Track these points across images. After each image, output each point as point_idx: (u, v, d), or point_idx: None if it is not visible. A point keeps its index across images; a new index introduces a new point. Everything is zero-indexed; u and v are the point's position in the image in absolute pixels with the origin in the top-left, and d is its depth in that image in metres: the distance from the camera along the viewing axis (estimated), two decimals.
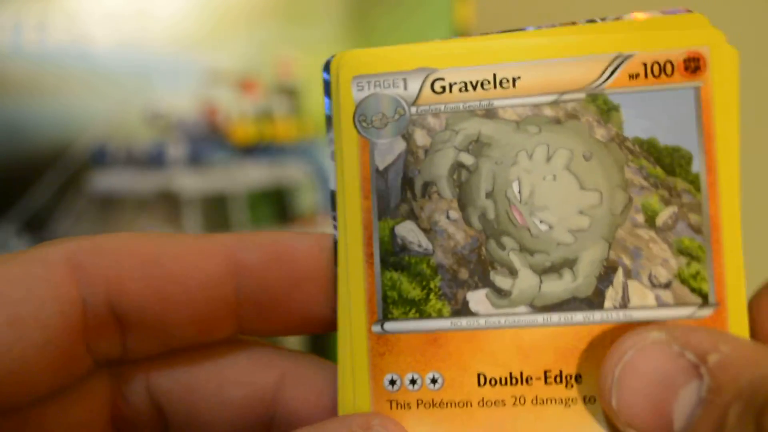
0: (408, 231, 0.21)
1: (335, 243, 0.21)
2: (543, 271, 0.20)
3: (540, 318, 0.20)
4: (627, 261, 0.20)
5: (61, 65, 1.59)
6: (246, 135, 1.78)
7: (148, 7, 1.71)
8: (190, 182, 1.60)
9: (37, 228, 1.53)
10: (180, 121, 1.71)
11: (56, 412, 0.21)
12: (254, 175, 1.74)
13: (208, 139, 1.71)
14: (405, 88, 0.21)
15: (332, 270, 0.21)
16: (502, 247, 0.20)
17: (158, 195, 1.62)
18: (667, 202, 0.20)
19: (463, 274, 0.20)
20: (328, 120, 0.22)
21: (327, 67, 0.21)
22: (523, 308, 0.20)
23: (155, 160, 1.62)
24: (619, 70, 0.20)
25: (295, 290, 0.22)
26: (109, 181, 1.62)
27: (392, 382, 0.20)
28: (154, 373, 0.22)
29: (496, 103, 0.20)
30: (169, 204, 1.63)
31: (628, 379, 0.18)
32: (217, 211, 1.70)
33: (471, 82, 0.21)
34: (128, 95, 1.68)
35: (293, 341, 1.27)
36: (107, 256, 0.21)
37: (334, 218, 0.21)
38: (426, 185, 0.21)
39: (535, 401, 0.20)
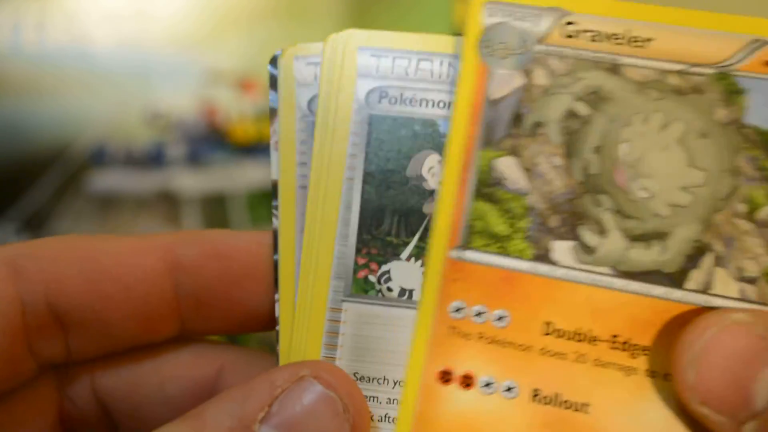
0: (508, 166, 0.20)
1: (275, 233, 0.21)
2: (633, 238, 0.20)
3: (619, 283, 0.20)
4: (719, 247, 0.19)
5: (61, 65, 1.59)
6: (245, 135, 1.78)
7: (148, 7, 1.71)
8: (189, 182, 1.60)
9: (37, 227, 1.53)
10: (179, 121, 1.71)
11: (2, 415, 0.21)
12: (254, 175, 1.74)
13: (208, 139, 1.71)
14: (536, 23, 0.20)
15: (272, 266, 0.21)
16: (598, 204, 0.20)
17: (158, 195, 1.62)
18: None
19: (554, 221, 0.20)
20: (272, 112, 0.21)
21: (274, 62, 0.21)
22: (605, 269, 0.20)
23: (155, 160, 1.62)
24: (754, 54, 0.20)
25: (234, 287, 0.21)
26: (108, 180, 1.62)
27: (458, 310, 0.20)
28: (98, 374, 0.22)
29: (624, 60, 0.20)
30: (168, 204, 1.63)
31: (708, 355, 0.17)
32: (216, 211, 1.70)
33: (603, 33, 0.20)
34: (128, 95, 1.68)
35: None
36: (45, 258, 0.21)
37: (275, 207, 0.21)
38: (536, 125, 0.20)
39: (596, 362, 0.19)
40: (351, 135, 0.21)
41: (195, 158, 1.65)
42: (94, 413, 0.22)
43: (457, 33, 0.21)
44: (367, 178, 0.21)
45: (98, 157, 1.63)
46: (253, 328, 0.22)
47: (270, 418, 0.17)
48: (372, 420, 0.20)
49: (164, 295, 0.21)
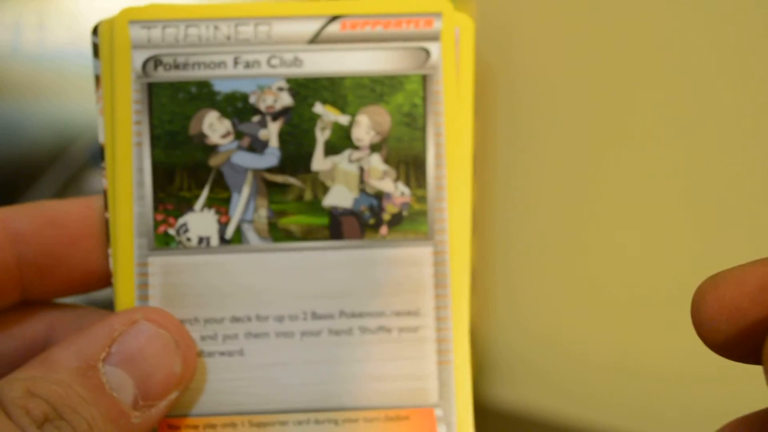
0: None
1: (105, 192, 0.23)
2: None
3: None
4: None
5: (61, 65, 1.59)
6: None
7: None
8: None
9: None
10: None
11: None
12: None
13: None
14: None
15: (104, 226, 0.23)
16: None
17: None
18: None
19: None
20: (97, 80, 0.23)
21: (95, 31, 0.23)
22: None
23: None
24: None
25: (72, 250, 0.23)
26: None
27: None
28: None
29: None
30: None
31: None
32: None
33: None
34: None
35: None
36: None
37: (103, 168, 0.23)
38: None
39: None
40: (133, 103, 0.23)
41: None
42: None
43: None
44: (154, 141, 0.23)
45: (98, 158, 1.62)
46: (93, 286, 0.24)
47: (111, 357, 0.20)
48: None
49: (6, 267, 0.23)
